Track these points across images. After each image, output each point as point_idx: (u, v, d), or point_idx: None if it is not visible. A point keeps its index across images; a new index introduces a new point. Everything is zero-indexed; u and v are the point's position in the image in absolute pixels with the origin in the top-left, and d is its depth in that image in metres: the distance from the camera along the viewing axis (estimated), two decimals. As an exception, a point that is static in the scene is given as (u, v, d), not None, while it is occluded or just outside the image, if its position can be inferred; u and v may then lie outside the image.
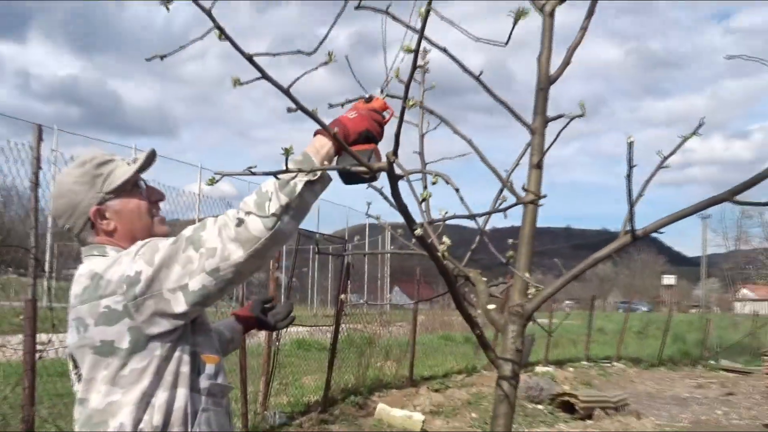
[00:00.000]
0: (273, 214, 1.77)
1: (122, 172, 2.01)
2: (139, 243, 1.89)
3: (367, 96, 2.10)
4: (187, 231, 1.85)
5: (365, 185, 2.02)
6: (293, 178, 1.80)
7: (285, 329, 2.55)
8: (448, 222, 2.26)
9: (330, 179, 1.90)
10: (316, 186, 1.84)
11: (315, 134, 1.91)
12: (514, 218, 2.43)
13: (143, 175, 2.12)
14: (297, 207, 1.81)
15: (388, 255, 25.41)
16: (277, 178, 1.86)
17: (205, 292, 1.80)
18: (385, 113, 2.06)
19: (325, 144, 1.88)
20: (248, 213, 1.78)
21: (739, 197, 2.34)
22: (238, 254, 1.77)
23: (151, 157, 2.08)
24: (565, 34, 2.59)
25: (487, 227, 2.66)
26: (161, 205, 2.17)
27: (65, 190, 1.99)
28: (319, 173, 1.83)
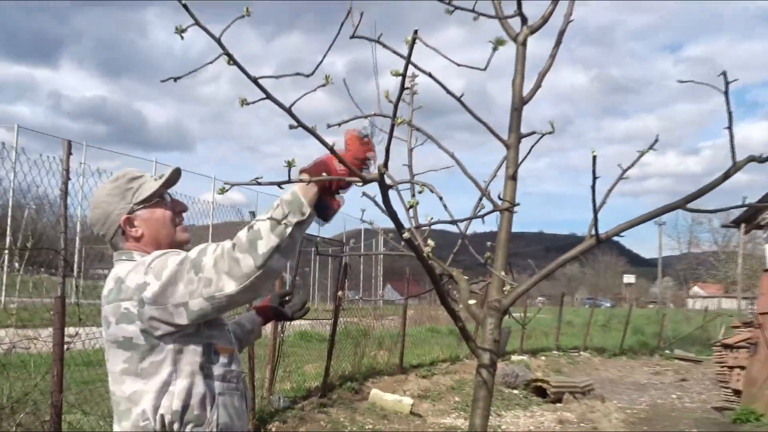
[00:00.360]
0: (263, 254, 1.78)
1: (149, 186, 2.07)
2: (155, 254, 1.94)
3: (363, 133, 2.06)
4: (192, 253, 1.88)
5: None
6: (285, 217, 1.81)
7: (297, 320, 2.56)
8: (433, 227, 2.25)
9: (314, 217, 1.92)
10: (303, 226, 1.86)
11: (301, 172, 1.90)
12: (491, 224, 2.43)
13: (170, 190, 2.20)
14: (286, 246, 1.81)
15: (381, 256, 25.37)
16: (280, 187, 1.85)
17: (202, 313, 1.84)
18: (369, 156, 2.03)
19: (312, 187, 1.88)
20: (242, 251, 1.79)
21: (690, 205, 2.35)
22: (231, 287, 1.79)
23: (175, 174, 2.14)
24: (536, 63, 2.59)
25: (468, 232, 2.66)
26: (184, 215, 2.23)
27: (100, 201, 2.06)
28: (307, 213, 1.85)
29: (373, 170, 1.98)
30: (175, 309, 1.83)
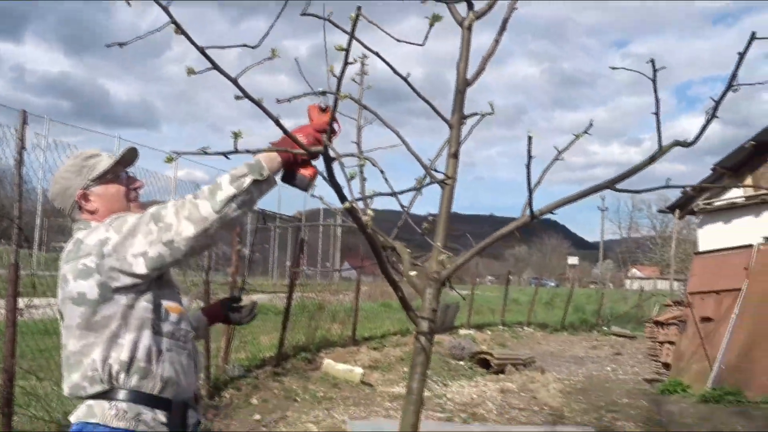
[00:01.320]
0: (221, 201, 1.86)
1: (104, 164, 2.14)
2: (113, 216, 2.02)
3: (323, 106, 2.13)
4: (152, 209, 1.94)
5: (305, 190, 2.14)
6: (245, 175, 1.89)
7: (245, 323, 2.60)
8: (384, 208, 2.27)
9: (275, 182, 2.00)
10: (262, 185, 1.93)
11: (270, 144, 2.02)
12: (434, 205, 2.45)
13: (133, 168, 2.27)
14: (243, 199, 1.89)
15: (339, 234, 25.37)
16: (227, 157, 1.85)
17: (161, 260, 1.89)
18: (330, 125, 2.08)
19: (276, 157, 1.98)
20: (202, 198, 1.88)
21: (619, 186, 2.41)
22: (189, 230, 1.85)
23: (131, 153, 2.19)
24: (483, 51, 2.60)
25: (423, 214, 2.69)
26: (142, 191, 2.29)
27: (59, 177, 2.14)
28: (266, 174, 1.92)
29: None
30: (134, 259, 1.88)
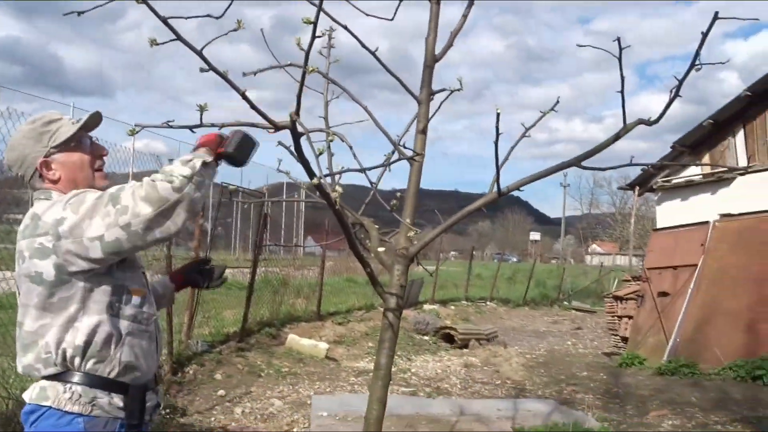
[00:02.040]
0: (179, 180, 1.81)
1: (66, 130, 2.01)
2: (73, 192, 1.91)
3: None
4: (111, 189, 1.87)
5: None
6: (194, 158, 1.87)
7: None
8: (350, 183, 2.25)
9: (217, 166, 1.98)
10: (210, 167, 1.91)
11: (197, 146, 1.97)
12: (401, 180, 2.44)
13: (92, 134, 2.14)
14: (198, 180, 1.85)
15: (303, 209, 25.22)
16: (192, 131, 1.82)
17: (118, 244, 1.81)
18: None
19: (211, 143, 1.96)
20: (159, 179, 1.82)
21: (584, 163, 2.43)
22: (146, 210, 1.78)
23: (95, 118, 2.08)
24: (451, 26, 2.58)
25: (389, 190, 2.68)
26: (105, 160, 2.18)
27: (17, 143, 2.01)
28: (210, 159, 1.91)
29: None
30: (91, 243, 1.80)
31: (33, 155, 1.98)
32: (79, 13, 1.50)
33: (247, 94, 1.77)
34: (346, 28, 2.31)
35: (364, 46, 2.33)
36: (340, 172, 2.14)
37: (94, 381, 1.88)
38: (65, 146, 2.01)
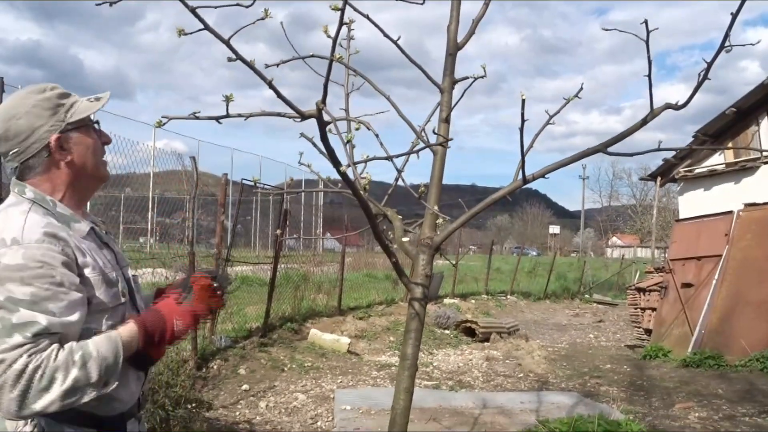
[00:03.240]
0: (41, 404, 1.46)
1: (85, 107, 1.74)
2: (3, 264, 1.50)
3: (215, 284, 1.83)
4: (21, 291, 1.48)
5: None
6: (89, 383, 1.51)
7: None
8: (372, 179, 2.25)
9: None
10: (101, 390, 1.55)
11: (135, 322, 1.66)
12: (420, 175, 2.44)
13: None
14: (65, 403, 1.49)
15: (321, 206, 25.27)
16: (218, 122, 1.81)
17: None
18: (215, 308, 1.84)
19: (141, 336, 1.63)
20: (38, 386, 1.45)
21: (610, 149, 2.41)
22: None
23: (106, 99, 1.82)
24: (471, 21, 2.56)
25: (410, 186, 2.67)
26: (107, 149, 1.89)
27: (23, 111, 1.64)
28: (111, 387, 1.56)
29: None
30: None
31: (45, 129, 1.65)
32: (111, 3, 1.50)
33: (265, 93, 1.77)
34: (368, 17, 2.31)
35: (386, 35, 2.33)
36: (366, 160, 2.14)
37: (61, 414, 1.55)
38: (81, 125, 1.73)
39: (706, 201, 12.23)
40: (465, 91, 2.41)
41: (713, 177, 12.28)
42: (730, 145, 12.02)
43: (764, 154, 11.06)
